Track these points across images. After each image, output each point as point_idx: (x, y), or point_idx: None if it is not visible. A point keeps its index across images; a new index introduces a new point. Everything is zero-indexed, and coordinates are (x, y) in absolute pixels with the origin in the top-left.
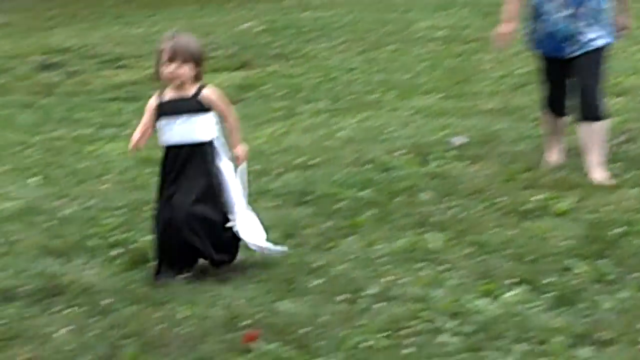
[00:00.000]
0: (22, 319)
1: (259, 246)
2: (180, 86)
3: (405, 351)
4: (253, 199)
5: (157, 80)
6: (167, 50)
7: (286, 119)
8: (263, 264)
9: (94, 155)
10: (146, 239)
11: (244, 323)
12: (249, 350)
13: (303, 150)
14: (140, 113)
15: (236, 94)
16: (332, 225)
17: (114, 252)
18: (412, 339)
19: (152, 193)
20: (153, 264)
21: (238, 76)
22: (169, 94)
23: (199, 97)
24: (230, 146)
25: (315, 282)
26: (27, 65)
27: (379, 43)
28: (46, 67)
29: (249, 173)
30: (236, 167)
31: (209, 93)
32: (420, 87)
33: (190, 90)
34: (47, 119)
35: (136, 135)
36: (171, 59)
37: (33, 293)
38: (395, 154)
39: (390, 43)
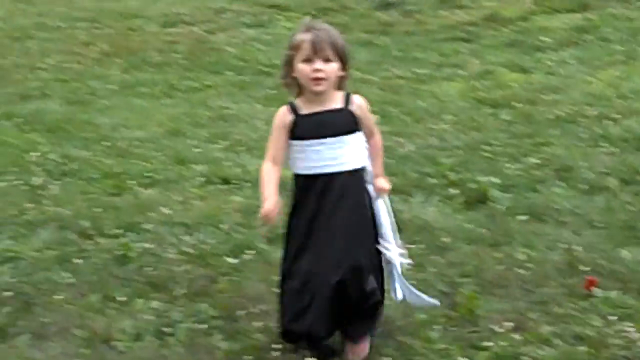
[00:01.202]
0: None
1: (412, 291)
2: (323, 94)
3: None
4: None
5: (288, 87)
6: (308, 43)
7: (625, 63)
8: (604, 209)
9: (431, 94)
10: (484, 179)
11: (584, 268)
12: (589, 296)
13: None
14: (477, 54)
15: (574, 36)
16: None
17: (452, 192)
18: None
19: (490, 134)
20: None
21: (576, 18)
22: (307, 106)
23: (352, 108)
24: (373, 174)
25: None
26: (365, 4)
27: None
28: (383, 6)
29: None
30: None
31: (362, 103)
32: None
33: (337, 100)
34: (384, 58)
35: (270, 199)
36: (314, 56)
37: None
38: None
39: None
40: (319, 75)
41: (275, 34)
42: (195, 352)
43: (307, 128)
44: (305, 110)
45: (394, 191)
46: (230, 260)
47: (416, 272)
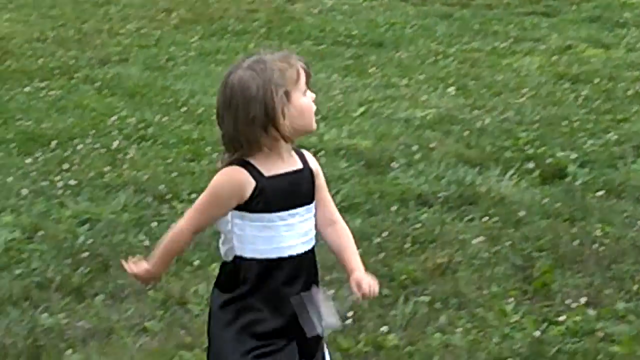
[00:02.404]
0: (438, 223)
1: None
2: (286, 148)
3: None
4: None
5: (246, 145)
6: (302, 71)
7: None
8: None
9: (509, 68)
10: (562, 154)
11: None
12: None
13: None
14: (557, 29)
15: None
16: None
17: (528, 166)
18: None
19: (568, 109)
20: None
21: None
22: (267, 167)
23: (312, 167)
24: (349, 270)
25: None
26: None
27: None
28: None
29: None
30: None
31: (316, 163)
32: None
33: (294, 157)
34: (463, 31)
35: (152, 268)
36: (306, 87)
37: (448, 200)
38: None
39: None
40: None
41: (353, 4)
42: None
43: (276, 195)
44: (266, 171)
45: (470, 163)
46: None
47: (491, 246)
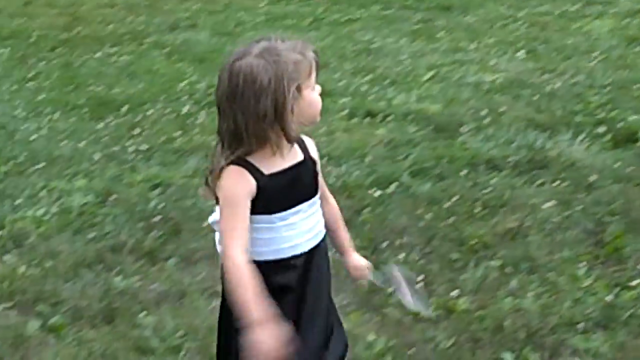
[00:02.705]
0: (508, 188)
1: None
2: (282, 143)
3: None
4: None
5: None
6: (314, 63)
7: None
8: None
9: (580, 31)
10: (633, 118)
11: None
12: None
13: None
14: None
15: None
16: None
17: (599, 130)
18: None
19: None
20: None
21: None
22: (266, 164)
23: (312, 156)
24: (341, 249)
25: None
26: None
27: None
28: None
29: None
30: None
31: (314, 146)
32: None
33: (295, 149)
34: None
35: (267, 324)
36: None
37: (519, 164)
38: None
39: None
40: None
41: None
42: (339, 281)
43: (276, 195)
44: (266, 169)
45: (540, 127)
46: (374, 192)
47: (562, 210)
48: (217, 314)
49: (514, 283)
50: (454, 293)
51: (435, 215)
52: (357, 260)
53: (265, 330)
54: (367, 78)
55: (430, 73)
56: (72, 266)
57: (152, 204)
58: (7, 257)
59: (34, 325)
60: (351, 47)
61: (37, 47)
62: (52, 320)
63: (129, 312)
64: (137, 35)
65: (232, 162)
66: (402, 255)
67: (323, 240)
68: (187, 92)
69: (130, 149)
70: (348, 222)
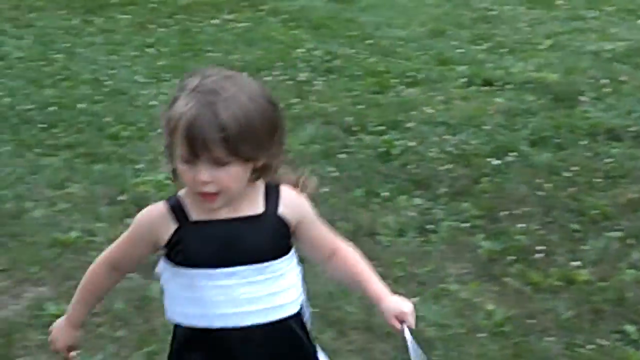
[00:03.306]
0: (629, 158)
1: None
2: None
3: None
4: None
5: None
6: (183, 133)
7: None
8: None
9: None
10: None
11: None
12: None
13: None
14: None
15: None
16: None
17: None
18: None
19: None
20: None
21: None
22: (201, 208)
23: (281, 213)
24: (374, 300)
25: None
26: None
27: None
28: None
29: None
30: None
31: (298, 202)
32: None
33: (255, 199)
34: None
35: (67, 321)
36: (194, 159)
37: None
38: None
39: None
40: (207, 189)
41: None
42: (458, 250)
43: (201, 248)
44: (197, 214)
45: None
46: (493, 161)
47: None
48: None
49: (636, 255)
50: (575, 263)
51: (555, 185)
52: (394, 306)
53: (60, 325)
54: (485, 46)
55: (549, 41)
56: None
57: None
58: (130, 221)
59: (156, 287)
60: (469, 14)
61: (156, 13)
62: None
63: None
64: (254, 2)
65: (169, 198)
66: (521, 225)
67: (284, 322)
68: (303, 59)
69: None
70: (466, 191)
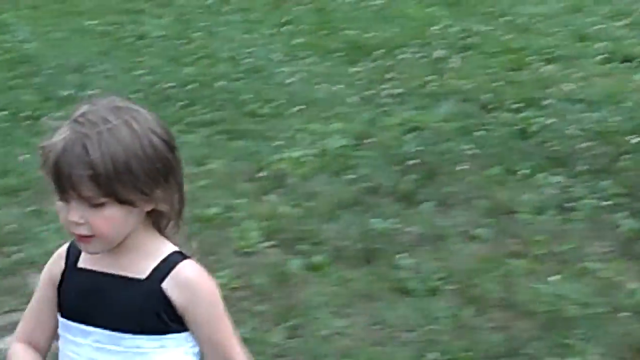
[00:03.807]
0: None
1: None
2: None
3: None
4: None
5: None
6: (50, 166)
7: None
8: None
9: None
10: None
11: None
12: None
13: None
14: None
15: None
16: None
17: None
18: None
19: None
20: None
21: None
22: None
23: (165, 286)
24: None
25: None
26: None
27: None
28: None
29: None
30: None
31: (195, 285)
32: None
33: (143, 261)
34: None
35: None
36: (63, 194)
37: None
38: None
39: None
40: (79, 231)
41: None
42: (598, 229)
43: (69, 296)
44: (84, 260)
45: None
46: (633, 139)
47: None
48: (473, 256)
49: None
50: None
51: None
52: None
53: None
54: (624, 22)
55: None
56: (330, 207)
57: (407, 147)
58: (268, 197)
59: (296, 263)
60: None
61: None
62: (314, 259)
63: (387, 253)
64: None
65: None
66: None
67: None
68: (439, 36)
69: (384, 93)
70: (606, 169)
